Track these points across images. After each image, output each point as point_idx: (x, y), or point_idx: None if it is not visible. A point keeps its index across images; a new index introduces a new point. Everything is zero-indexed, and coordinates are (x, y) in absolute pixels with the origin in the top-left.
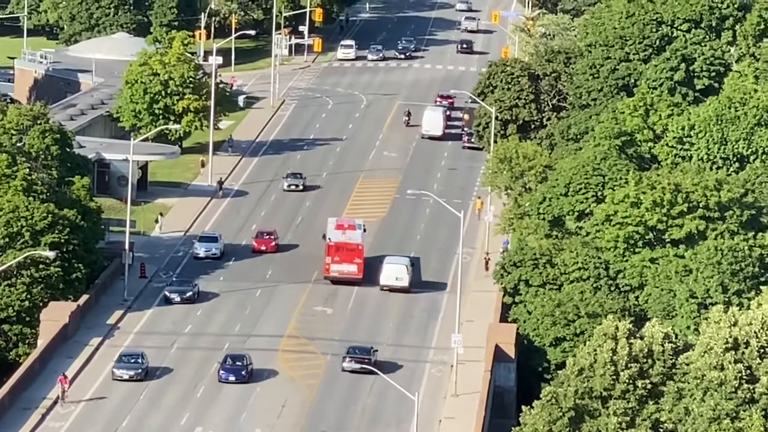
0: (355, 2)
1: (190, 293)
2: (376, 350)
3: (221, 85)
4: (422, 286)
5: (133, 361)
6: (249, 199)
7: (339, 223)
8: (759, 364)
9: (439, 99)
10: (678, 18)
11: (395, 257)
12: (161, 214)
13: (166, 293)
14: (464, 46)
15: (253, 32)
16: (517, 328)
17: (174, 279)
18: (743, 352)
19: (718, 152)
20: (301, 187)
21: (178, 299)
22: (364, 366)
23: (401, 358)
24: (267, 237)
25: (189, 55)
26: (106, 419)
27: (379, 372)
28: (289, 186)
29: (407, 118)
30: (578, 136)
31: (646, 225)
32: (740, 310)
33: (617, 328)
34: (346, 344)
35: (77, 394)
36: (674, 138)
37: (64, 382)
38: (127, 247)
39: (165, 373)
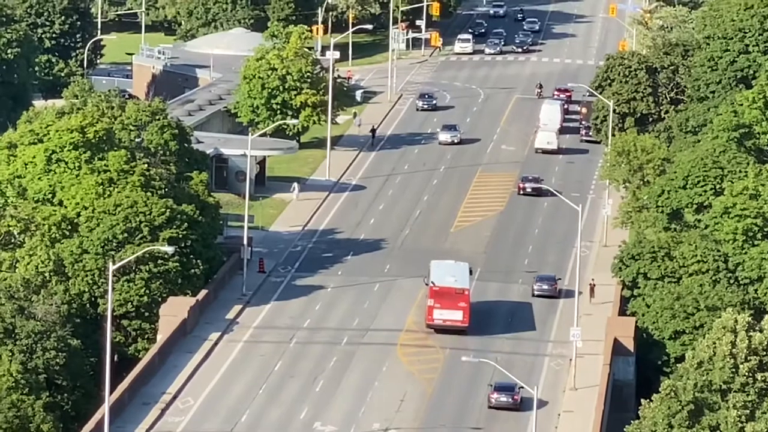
0: None
1: None
2: (560, 278)
3: (339, 80)
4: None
5: None
6: (367, 193)
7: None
8: None
9: (556, 92)
10: None
11: (547, 127)
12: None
13: None
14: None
15: (370, 27)
16: (636, 322)
17: None
18: None
19: None
20: None
21: None
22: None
23: (520, 352)
24: None
25: (306, 50)
26: (225, 414)
27: (497, 365)
28: None
29: (539, 90)
30: (696, 129)
31: (765, 217)
32: None
33: (736, 321)
34: (464, 338)
35: (197, 388)
36: None
37: None
38: (245, 241)
39: (284, 368)
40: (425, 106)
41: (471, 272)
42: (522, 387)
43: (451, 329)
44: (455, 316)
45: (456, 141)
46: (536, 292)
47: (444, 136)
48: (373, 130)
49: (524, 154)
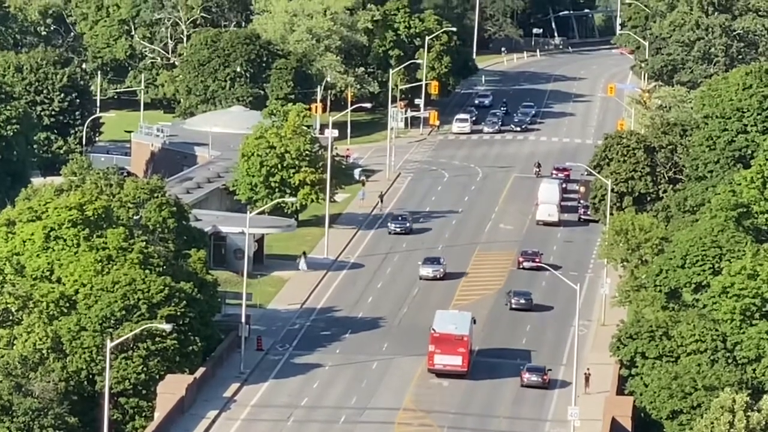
0: (471, 75)
1: None
2: (550, 369)
3: (337, 158)
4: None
5: None
6: (365, 271)
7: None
8: None
9: (555, 171)
10: None
11: (547, 200)
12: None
13: None
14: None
15: (369, 105)
16: (634, 401)
17: None
18: None
19: None
20: None
21: None
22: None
23: (518, 431)
24: None
25: (305, 128)
26: None
27: None
28: None
29: (538, 169)
30: (694, 208)
31: (763, 297)
32: None
33: (734, 400)
34: (462, 417)
35: None
36: None
37: None
38: (243, 319)
39: None
40: (398, 230)
41: (474, 321)
42: (550, 369)
43: (452, 374)
44: (455, 361)
45: (439, 276)
46: (513, 306)
47: (425, 271)
48: (381, 196)
49: (523, 232)
